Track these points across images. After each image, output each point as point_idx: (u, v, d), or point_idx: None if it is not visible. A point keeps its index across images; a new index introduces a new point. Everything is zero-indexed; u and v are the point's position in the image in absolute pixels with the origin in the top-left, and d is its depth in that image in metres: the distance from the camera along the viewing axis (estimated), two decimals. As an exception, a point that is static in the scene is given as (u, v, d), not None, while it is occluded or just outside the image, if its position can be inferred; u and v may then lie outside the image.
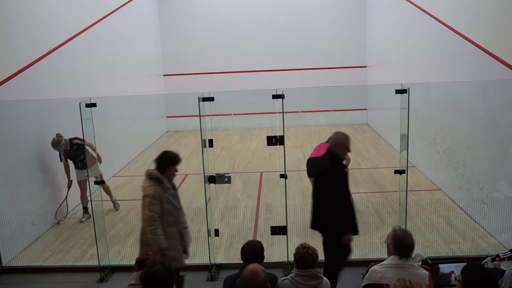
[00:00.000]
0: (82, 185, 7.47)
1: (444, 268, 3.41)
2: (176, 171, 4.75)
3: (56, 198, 7.50)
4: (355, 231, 4.62)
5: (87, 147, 6.93)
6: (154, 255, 4.10)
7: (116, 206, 7.95)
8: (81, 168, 7.38)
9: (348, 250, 4.75)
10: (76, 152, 7.27)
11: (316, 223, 4.63)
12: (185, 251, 4.79)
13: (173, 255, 4.52)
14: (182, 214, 4.78)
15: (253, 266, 3.06)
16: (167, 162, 4.64)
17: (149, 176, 4.53)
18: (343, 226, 4.48)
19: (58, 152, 7.23)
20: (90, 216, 7.10)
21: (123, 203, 8.20)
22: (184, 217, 4.80)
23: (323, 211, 4.50)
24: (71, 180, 7.42)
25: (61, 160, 7.28)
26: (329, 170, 4.48)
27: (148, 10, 14.20)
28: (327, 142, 7.46)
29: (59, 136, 7.10)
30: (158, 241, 4.37)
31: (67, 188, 7.43)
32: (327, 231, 4.56)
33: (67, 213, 7.55)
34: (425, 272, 3.50)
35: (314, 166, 4.71)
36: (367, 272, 3.74)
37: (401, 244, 3.56)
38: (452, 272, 3.36)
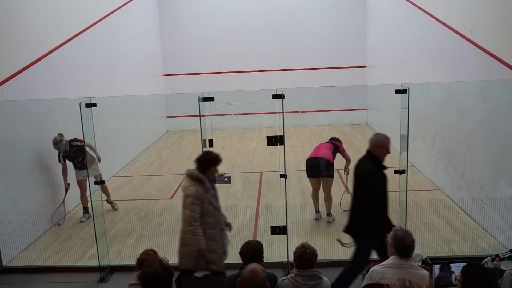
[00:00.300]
0: (82, 185, 7.47)
1: (444, 268, 3.41)
2: (217, 171, 4.66)
3: (56, 198, 7.50)
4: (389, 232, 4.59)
5: (87, 147, 6.93)
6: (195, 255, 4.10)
7: (114, 207, 7.91)
8: (80, 169, 7.39)
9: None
10: (75, 153, 7.26)
11: (353, 225, 4.59)
12: (224, 252, 4.74)
13: (212, 258, 4.46)
14: (221, 215, 4.68)
15: (253, 265, 3.06)
16: (209, 162, 4.53)
17: (190, 176, 4.46)
18: (383, 227, 4.40)
19: (58, 153, 7.23)
20: (90, 216, 7.12)
21: (123, 203, 8.20)
22: (222, 218, 4.71)
23: (364, 212, 4.45)
24: (69, 184, 7.41)
25: (59, 161, 7.26)
26: (370, 172, 4.42)
27: (148, 10, 14.20)
28: (328, 142, 7.49)
29: (60, 135, 7.11)
30: (197, 242, 4.32)
31: (64, 191, 7.42)
32: (366, 232, 4.49)
33: (64, 216, 7.54)
34: (425, 273, 3.50)
35: (358, 168, 4.59)
36: (367, 272, 3.74)
37: (401, 244, 3.56)
38: (453, 272, 3.36)
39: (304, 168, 7.20)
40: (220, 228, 4.59)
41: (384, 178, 4.45)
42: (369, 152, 4.53)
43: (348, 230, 4.68)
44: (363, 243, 4.57)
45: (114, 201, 7.94)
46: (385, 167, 4.48)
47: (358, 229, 4.58)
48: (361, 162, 4.62)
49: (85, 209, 7.53)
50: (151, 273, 2.93)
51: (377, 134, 4.58)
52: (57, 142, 7.08)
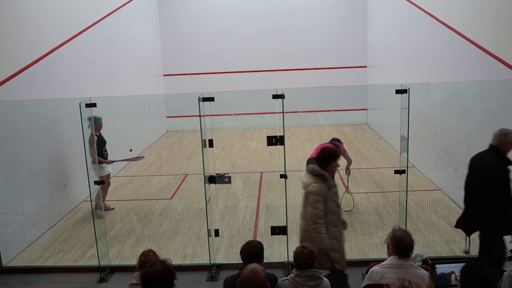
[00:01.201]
0: (105, 180, 7.57)
1: (444, 268, 3.41)
2: (338, 165, 4.54)
3: (56, 198, 7.51)
4: None
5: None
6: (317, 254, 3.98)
7: (109, 207, 7.77)
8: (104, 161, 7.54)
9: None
10: (104, 141, 7.58)
11: (477, 221, 4.53)
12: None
13: (336, 257, 4.38)
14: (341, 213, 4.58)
15: (253, 265, 3.06)
16: (329, 157, 4.44)
17: (313, 173, 4.37)
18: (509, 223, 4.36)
19: (90, 135, 7.08)
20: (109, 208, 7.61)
21: (123, 203, 8.21)
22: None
23: (491, 208, 4.38)
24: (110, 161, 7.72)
25: (93, 145, 7.08)
26: (500, 167, 4.36)
27: (148, 10, 14.20)
28: (329, 142, 7.48)
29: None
30: (321, 240, 4.23)
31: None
32: (494, 228, 4.45)
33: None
34: (425, 272, 3.50)
35: (481, 165, 4.50)
36: (367, 272, 3.74)
37: (399, 244, 3.57)
38: (453, 272, 3.36)
39: (304, 169, 7.18)
40: (340, 226, 4.50)
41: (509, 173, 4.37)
42: (494, 147, 4.42)
43: (474, 227, 4.60)
44: (489, 240, 4.54)
45: (107, 204, 7.75)
46: (510, 162, 4.39)
47: (490, 226, 4.50)
48: (484, 158, 4.51)
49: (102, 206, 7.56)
50: (152, 273, 2.93)
51: (502, 129, 4.45)
52: (95, 119, 6.92)
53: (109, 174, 7.79)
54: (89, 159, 6.94)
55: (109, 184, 7.86)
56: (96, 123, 7.04)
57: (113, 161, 7.74)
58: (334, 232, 4.36)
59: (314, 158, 6.96)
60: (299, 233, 4.54)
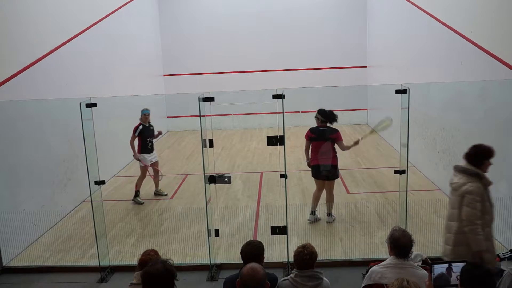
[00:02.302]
0: (144, 171, 8.13)
1: (442, 267, 3.41)
2: (491, 164, 4.35)
3: (57, 198, 7.51)
4: None
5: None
6: (477, 256, 3.88)
7: (162, 193, 8.49)
8: (147, 152, 8.06)
9: None
10: (151, 132, 8.08)
11: None
12: None
13: (488, 258, 4.18)
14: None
15: (252, 264, 3.06)
16: (482, 155, 4.30)
17: (467, 172, 4.21)
18: None
19: (136, 126, 7.93)
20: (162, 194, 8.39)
21: (123, 203, 8.22)
22: None
23: None
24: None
25: (134, 133, 7.90)
26: None
27: (148, 10, 14.20)
28: (327, 139, 7.41)
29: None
30: (478, 242, 4.08)
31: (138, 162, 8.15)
32: None
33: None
34: (424, 272, 3.50)
35: None
36: (367, 272, 3.74)
37: (396, 244, 3.57)
38: (450, 267, 3.36)
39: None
40: (492, 226, 4.33)
41: None
42: None
43: None
44: None
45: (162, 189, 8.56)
46: None
47: None
48: None
49: (136, 192, 8.18)
50: (152, 272, 2.93)
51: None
52: (144, 109, 7.97)
53: (156, 162, 8.38)
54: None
55: (157, 171, 8.38)
56: (143, 113, 8.00)
57: (139, 159, 8.14)
58: (488, 233, 4.21)
59: (319, 165, 6.84)
60: (445, 235, 4.38)
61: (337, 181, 8.96)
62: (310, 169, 7.08)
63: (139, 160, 8.05)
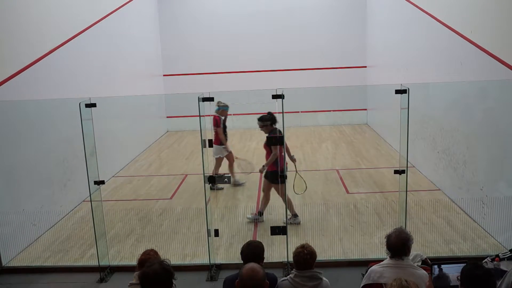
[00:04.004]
0: (230, 158, 8.70)
1: (444, 268, 3.41)
2: None
3: (56, 198, 7.51)
4: None
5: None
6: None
7: (239, 183, 8.78)
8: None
9: None
10: (225, 127, 8.62)
11: None
12: None
13: None
14: None
15: (251, 264, 3.06)
16: None
17: None
18: None
19: (222, 119, 8.43)
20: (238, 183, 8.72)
21: (123, 203, 8.21)
22: None
23: None
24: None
25: (219, 125, 8.33)
26: None
27: (148, 10, 14.20)
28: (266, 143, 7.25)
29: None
30: None
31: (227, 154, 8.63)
32: None
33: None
34: (423, 272, 3.50)
35: None
36: (366, 272, 3.74)
37: (388, 243, 3.59)
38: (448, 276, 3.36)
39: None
40: None
41: None
42: None
43: None
44: None
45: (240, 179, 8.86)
46: None
47: None
48: None
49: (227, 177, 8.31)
50: (150, 273, 2.94)
51: None
52: (220, 105, 8.38)
53: (230, 152, 8.82)
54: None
55: (233, 160, 8.82)
56: (223, 109, 8.60)
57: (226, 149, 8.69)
58: None
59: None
60: None
61: (337, 181, 8.99)
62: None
63: (229, 151, 8.70)
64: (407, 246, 3.58)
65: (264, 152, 7.01)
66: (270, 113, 6.94)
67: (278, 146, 6.57)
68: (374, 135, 13.45)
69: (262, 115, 6.98)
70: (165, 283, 2.94)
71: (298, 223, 6.87)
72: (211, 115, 8.42)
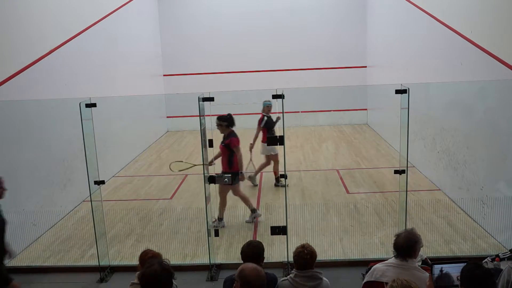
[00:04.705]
0: (275, 158, 8.47)
1: (444, 268, 3.40)
2: None
3: (56, 198, 7.51)
4: None
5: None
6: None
7: (281, 183, 8.53)
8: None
9: None
10: (273, 123, 8.40)
11: None
12: None
13: None
14: None
15: (251, 264, 3.05)
16: None
17: None
18: None
19: (261, 117, 8.37)
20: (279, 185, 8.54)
21: (123, 203, 8.21)
22: None
23: None
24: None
25: (260, 125, 8.31)
26: None
27: (148, 10, 14.20)
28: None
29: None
30: None
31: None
32: None
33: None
34: (426, 276, 3.48)
35: None
36: (366, 272, 3.74)
37: (395, 243, 3.58)
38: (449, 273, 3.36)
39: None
40: None
41: None
42: None
43: None
44: None
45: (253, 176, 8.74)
46: None
47: None
48: None
49: (278, 178, 8.61)
50: (149, 273, 2.94)
51: None
52: (265, 101, 8.36)
53: (277, 154, 8.50)
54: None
55: (277, 161, 8.57)
56: (266, 105, 8.46)
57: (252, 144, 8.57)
58: None
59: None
60: None
61: (337, 181, 8.99)
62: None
63: (276, 152, 8.45)
64: (413, 248, 3.54)
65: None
66: (229, 115, 7.04)
67: (239, 147, 6.90)
68: (374, 135, 13.45)
69: (222, 115, 7.05)
70: (165, 284, 2.94)
71: (260, 215, 7.05)
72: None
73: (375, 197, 8.07)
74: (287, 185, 8.49)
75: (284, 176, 5.68)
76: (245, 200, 7.05)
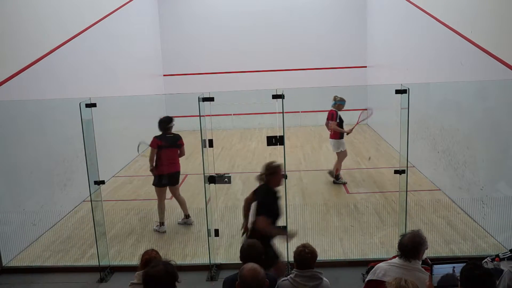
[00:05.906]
0: (343, 154, 8.80)
1: (444, 268, 3.40)
2: None
3: (56, 198, 7.51)
4: None
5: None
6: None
7: (341, 181, 8.78)
8: (342, 137, 8.82)
9: None
10: (342, 121, 8.81)
11: None
12: None
13: None
14: None
15: (251, 265, 3.06)
16: None
17: None
18: None
19: (331, 112, 8.72)
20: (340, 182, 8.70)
21: (123, 203, 8.21)
22: None
23: None
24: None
25: (335, 119, 8.64)
26: None
27: (148, 10, 14.20)
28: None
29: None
30: None
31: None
32: None
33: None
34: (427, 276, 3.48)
35: None
36: (367, 272, 3.73)
37: (400, 243, 3.58)
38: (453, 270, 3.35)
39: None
40: None
41: None
42: None
43: None
44: None
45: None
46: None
47: None
48: None
49: (338, 175, 8.78)
50: (153, 273, 2.92)
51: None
52: (341, 99, 8.78)
53: (345, 151, 8.88)
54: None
55: (345, 155, 8.91)
56: (339, 103, 8.89)
57: (348, 132, 8.95)
58: None
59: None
60: None
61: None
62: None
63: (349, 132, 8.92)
64: (417, 250, 3.54)
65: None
66: (167, 117, 7.44)
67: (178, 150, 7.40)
68: (374, 135, 13.44)
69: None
70: (169, 285, 2.93)
71: (191, 224, 7.06)
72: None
73: (375, 197, 8.07)
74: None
75: (284, 176, 5.66)
76: (182, 203, 7.12)
